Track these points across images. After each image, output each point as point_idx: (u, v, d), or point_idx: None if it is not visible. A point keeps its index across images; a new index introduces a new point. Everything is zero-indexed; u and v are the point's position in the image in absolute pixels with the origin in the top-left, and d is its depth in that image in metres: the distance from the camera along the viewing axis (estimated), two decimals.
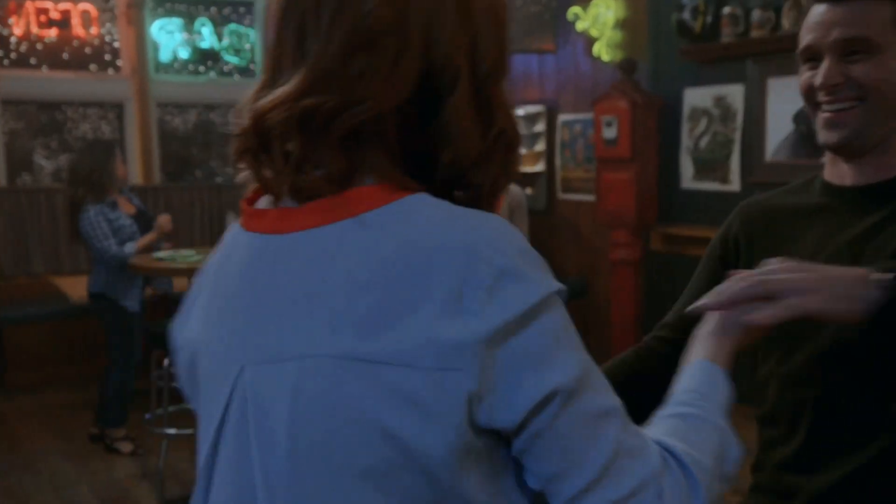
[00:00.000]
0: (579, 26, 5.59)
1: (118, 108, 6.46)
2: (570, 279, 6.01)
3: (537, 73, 6.42)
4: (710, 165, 5.01)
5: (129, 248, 4.32)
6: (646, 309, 5.45)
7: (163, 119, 6.75)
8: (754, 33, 4.56)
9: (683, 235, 5.14)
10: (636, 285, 5.31)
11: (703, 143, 5.03)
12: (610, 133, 5.18)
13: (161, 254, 4.45)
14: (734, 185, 4.87)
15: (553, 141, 6.31)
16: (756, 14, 4.52)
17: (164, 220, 4.55)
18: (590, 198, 5.99)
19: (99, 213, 4.29)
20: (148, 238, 4.44)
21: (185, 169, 7.00)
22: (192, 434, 3.46)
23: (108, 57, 6.37)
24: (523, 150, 6.35)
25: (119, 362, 4.37)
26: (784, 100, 4.54)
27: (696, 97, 5.06)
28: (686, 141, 5.15)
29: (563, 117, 6.20)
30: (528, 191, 6.46)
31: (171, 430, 3.93)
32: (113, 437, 4.42)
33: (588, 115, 5.96)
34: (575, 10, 5.62)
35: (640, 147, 5.13)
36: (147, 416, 4.26)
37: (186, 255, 4.43)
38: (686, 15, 4.78)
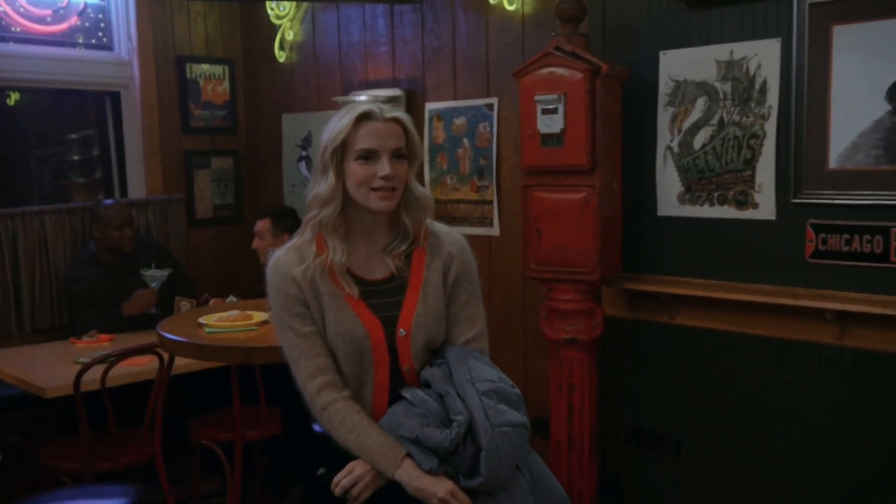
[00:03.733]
0: None
1: None
2: None
3: (387, 36, 4.14)
4: (713, 177, 3.02)
5: None
6: (609, 423, 3.38)
7: None
8: None
9: (667, 294, 3.12)
10: (590, 385, 3.20)
11: (701, 139, 3.03)
12: (550, 124, 3.04)
13: None
14: (765, 209, 2.91)
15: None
16: None
17: None
18: (488, 232, 3.81)
19: None
20: None
21: None
22: None
23: None
24: None
25: None
26: (864, 62, 2.65)
27: (685, 63, 3.06)
28: (665, 136, 3.13)
29: (433, 105, 3.98)
30: None
31: None
32: None
33: (480, 101, 3.77)
34: None
35: (603, 148, 3.03)
36: None
37: None
38: None
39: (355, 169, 1.71)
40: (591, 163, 3.00)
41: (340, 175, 1.72)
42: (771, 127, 2.87)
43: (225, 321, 2.70)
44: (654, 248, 3.21)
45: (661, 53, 3.11)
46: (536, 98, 3.05)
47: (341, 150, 1.71)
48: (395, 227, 1.80)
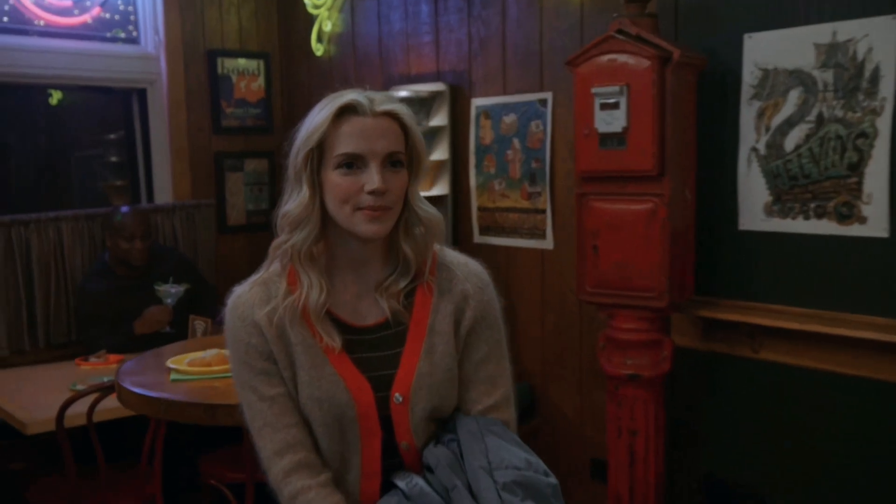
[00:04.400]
0: None
1: None
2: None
3: (430, 24, 3.72)
4: (809, 184, 2.50)
5: None
6: (679, 474, 2.89)
7: None
8: None
9: (750, 324, 2.61)
10: (656, 429, 2.71)
11: (794, 138, 2.52)
12: (611, 121, 2.56)
13: None
14: (875, 224, 2.38)
15: (462, 144, 3.63)
16: None
17: None
18: (540, 245, 3.35)
19: None
20: None
21: None
22: None
23: None
24: None
25: None
26: None
27: (775, 47, 2.54)
28: (750, 136, 2.62)
29: (480, 101, 3.54)
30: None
31: None
32: None
33: (532, 96, 3.32)
34: None
35: (673, 149, 2.54)
36: None
37: None
38: None
39: (335, 180, 1.28)
40: (659, 167, 2.51)
41: (317, 188, 1.30)
42: (884, 124, 2.33)
43: (197, 364, 2.29)
44: (734, 269, 2.70)
45: (745, 37, 2.60)
46: (594, 91, 2.57)
47: (317, 155, 1.29)
48: (393, 258, 1.38)
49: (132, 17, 4.16)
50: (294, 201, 1.31)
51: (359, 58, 4.08)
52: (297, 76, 4.44)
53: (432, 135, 3.66)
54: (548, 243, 3.32)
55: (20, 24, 3.89)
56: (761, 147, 2.59)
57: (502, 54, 3.43)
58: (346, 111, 1.28)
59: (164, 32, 4.10)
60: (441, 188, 3.68)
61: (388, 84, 3.88)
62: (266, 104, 4.45)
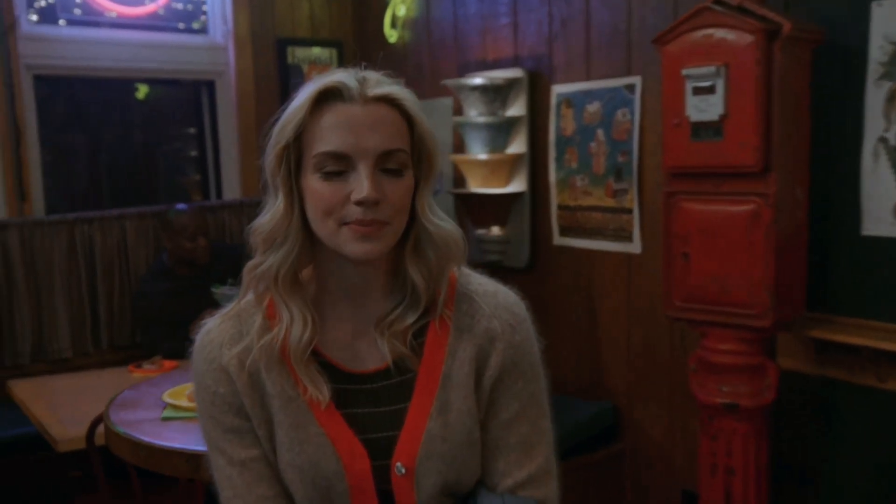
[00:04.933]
0: None
1: None
2: (574, 436, 3.02)
3: (508, 5, 3.40)
4: None
5: None
6: None
7: None
8: None
9: (874, 348, 2.19)
10: (757, 468, 2.32)
11: None
12: (705, 108, 2.18)
13: None
14: None
15: (541, 136, 3.29)
16: None
17: None
18: (626, 249, 2.98)
19: None
20: None
21: None
22: None
23: None
24: (481, 155, 3.32)
25: None
26: None
27: None
28: (878, 124, 2.19)
29: (561, 88, 3.20)
30: (495, 231, 3.43)
31: None
32: None
33: (619, 81, 2.95)
34: None
35: (781, 140, 2.14)
36: None
37: None
38: None
39: (314, 187, 0.99)
40: (763, 162, 2.12)
41: (295, 195, 1.02)
42: None
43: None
44: (855, 282, 2.28)
45: (873, 5, 2.17)
46: (685, 72, 2.20)
47: (294, 153, 1.01)
48: (399, 286, 1.07)
49: (203, 7, 4.01)
50: (267, 213, 1.03)
51: (433, 44, 3.79)
52: (372, 66, 4.18)
53: (508, 126, 3.34)
54: (635, 246, 2.95)
55: (92, 16, 3.81)
56: (891, 137, 2.15)
57: (586, 35, 3.08)
58: (329, 97, 0.99)
59: (232, 21, 3.93)
60: (518, 184, 3.36)
61: (463, 71, 3.58)
62: None
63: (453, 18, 3.65)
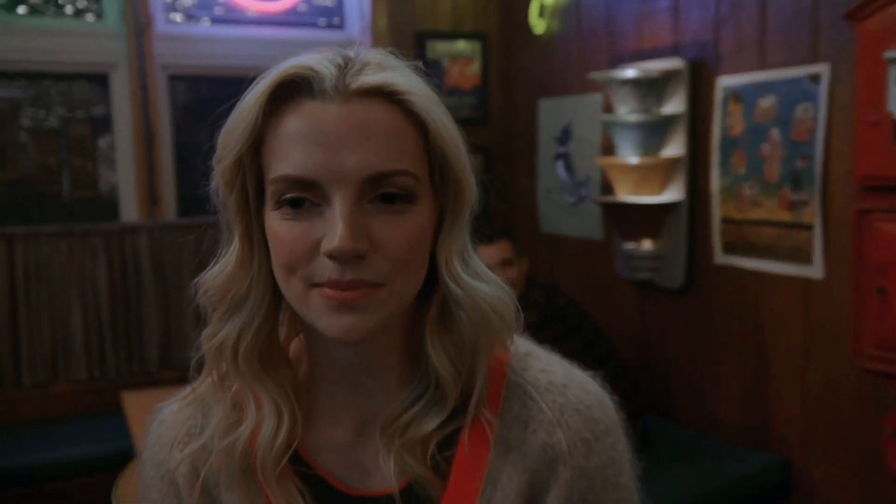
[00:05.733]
0: None
1: None
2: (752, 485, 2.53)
3: None
4: None
5: None
6: None
7: None
8: None
9: None
10: None
11: None
12: None
13: None
14: None
15: (702, 136, 2.82)
16: None
17: None
18: (804, 273, 2.47)
19: None
20: None
21: None
22: None
23: None
24: (632, 159, 2.89)
25: None
26: None
27: None
28: None
29: (728, 80, 2.71)
30: (646, 245, 2.99)
31: None
32: None
33: (800, 70, 2.44)
34: None
35: None
36: None
37: None
38: None
39: (273, 229, 0.67)
40: None
41: (256, 236, 0.69)
42: None
43: None
44: None
45: None
46: (887, 55, 1.69)
47: (252, 175, 0.68)
48: (418, 369, 0.72)
49: (340, 1, 3.82)
50: (219, 263, 0.72)
51: (583, 33, 3.39)
52: (517, 59, 3.84)
53: (664, 125, 2.89)
54: (815, 270, 2.43)
55: (233, 14, 3.72)
56: None
57: (760, 16, 2.58)
58: (293, 91, 0.66)
59: (370, 15, 3.71)
60: (674, 193, 2.90)
61: (614, 63, 3.15)
62: (482, 92, 3.90)
63: (606, 4, 3.23)
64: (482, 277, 0.70)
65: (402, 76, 0.66)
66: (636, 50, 3.09)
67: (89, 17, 3.51)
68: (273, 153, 0.65)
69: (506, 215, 3.94)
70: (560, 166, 3.56)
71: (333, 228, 0.62)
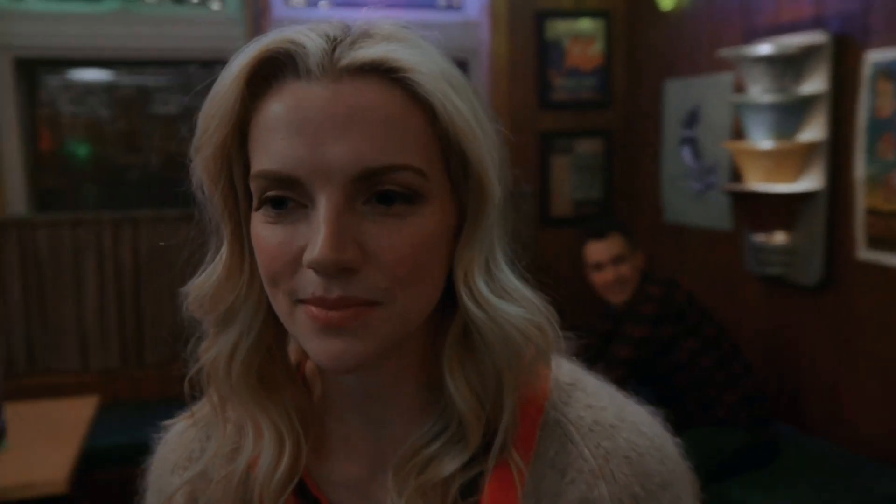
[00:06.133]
0: None
1: None
2: None
3: None
4: None
5: None
6: None
7: None
8: None
9: None
10: None
11: None
12: None
13: None
14: None
15: (846, 118, 2.54)
16: None
17: None
18: None
19: None
20: None
21: None
22: None
23: None
24: (765, 143, 2.65)
25: None
26: None
27: None
28: None
29: (878, 55, 2.42)
30: (778, 238, 2.74)
31: None
32: None
33: None
34: None
35: None
36: None
37: None
38: None
39: (256, 233, 0.56)
40: None
41: (245, 238, 0.59)
42: None
43: None
44: None
45: None
46: None
47: (239, 166, 0.58)
48: (440, 399, 0.60)
49: None
50: (208, 268, 0.63)
51: (714, 8, 3.14)
52: (643, 37, 3.62)
53: (802, 106, 2.62)
54: None
55: None
56: None
57: None
58: (278, 70, 0.55)
59: None
60: (811, 181, 2.63)
61: (748, 39, 2.90)
62: (604, 73, 3.70)
63: None
64: (512, 295, 0.58)
65: (406, 49, 0.55)
66: (773, 24, 2.82)
67: (214, 6, 3.57)
68: (255, 144, 0.55)
69: (627, 204, 3.74)
70: (686, 151, 3.33)
71: (315, 235, 0.52)
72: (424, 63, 0.54)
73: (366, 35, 0.55)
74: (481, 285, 0.57)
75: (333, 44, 0.54)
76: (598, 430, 0.59)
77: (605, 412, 0.60)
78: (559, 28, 3.66)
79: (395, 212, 0.53)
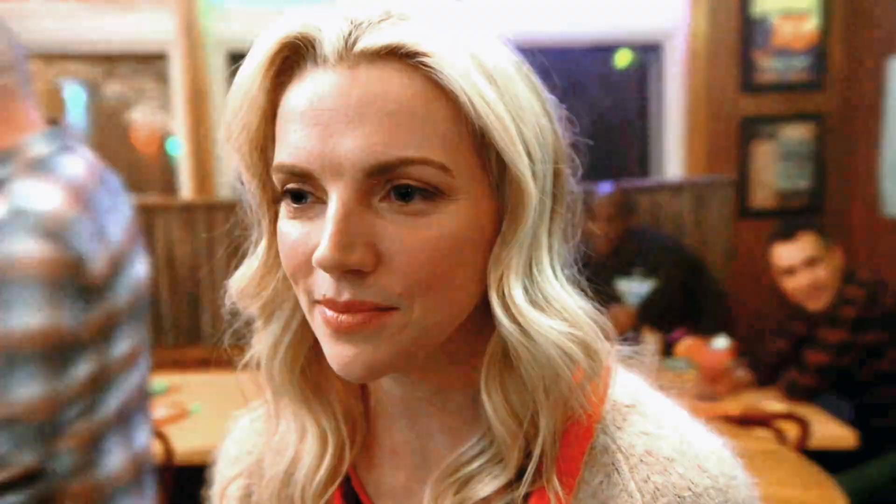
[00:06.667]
0: None
1: None
2: None
3: None
4: None
5: None
6: None
7: None
8: None
9: None
10: None
11: None
12: None
13: None
14: None
15: None
16: None
17: None
18: None
19: None
20: None
21: None
22: None
23: None
24: None
25: None
26: None
27: None
28: None
29: None
30: None
31: None
32: None
33: None
34: None
35: None
36: None
37: None
38: None
39: (279, 226, 0.53)
40: None
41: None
42: None
43: None
44: None
45: None
46: None
47: (269, 157, 0.54)
48: (480, 412, 0.55)
49: None
50: (246, 261, 0.60)
51: None
52: (865, 10, 3.25)
53: None
54: None
55: None
56: None
57: None
58: (299, 56, 0.51)
59: None
60: None
61: None
62: (818, 52, 3.37)
63: None
64: (554, 306, 0.51)
65: (430, 31, 0.49)
66: None
67: None
68: (278, 134, 0.53)
69: (840, 196, 3.40)
70: None
71: (323, 234, 0.49)
72: (449, 47, 0.49)
73: (396, 16, 0.50)
74: (516, 294, 0.51)
75: (356, 27, 0.50)
76: (651, 461, 0.51)
77: (662, 441, 0.52)
78: (766, 4, 3.38)
79: (412, 209, 0.49)
